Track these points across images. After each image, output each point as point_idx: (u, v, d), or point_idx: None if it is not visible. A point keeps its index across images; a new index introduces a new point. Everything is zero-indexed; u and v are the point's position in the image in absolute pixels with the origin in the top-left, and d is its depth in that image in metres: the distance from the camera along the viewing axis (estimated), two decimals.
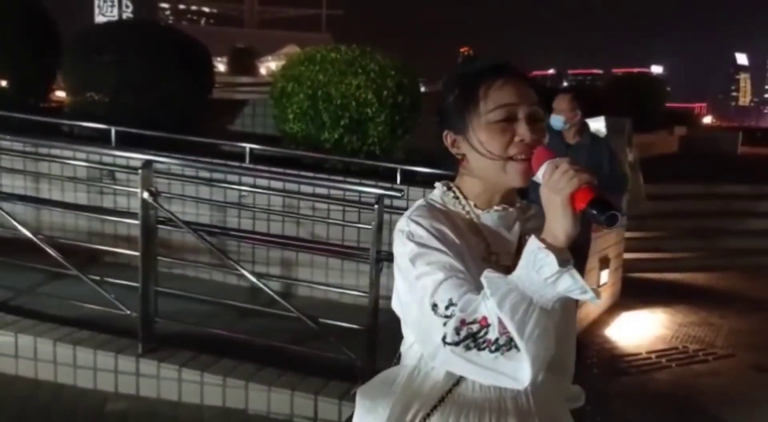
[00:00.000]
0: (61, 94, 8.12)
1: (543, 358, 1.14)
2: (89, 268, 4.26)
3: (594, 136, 4.51)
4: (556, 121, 4.35)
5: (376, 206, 3.42)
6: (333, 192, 5.00)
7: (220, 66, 27.90)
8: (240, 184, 5.22)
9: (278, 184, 5.11)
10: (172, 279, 4.55)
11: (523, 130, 1.25)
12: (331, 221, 4.94)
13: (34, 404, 3.42)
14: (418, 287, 1.22)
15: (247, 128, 8.06)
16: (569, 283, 1.11)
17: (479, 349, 1.14)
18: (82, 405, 3.44)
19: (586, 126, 4.47)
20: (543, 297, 1.12)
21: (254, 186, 5.19)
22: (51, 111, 7.49)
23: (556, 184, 1.13)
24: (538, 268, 1.11)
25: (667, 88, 16.21)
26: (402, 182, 5.24)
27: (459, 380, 1.29)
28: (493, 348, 1.13)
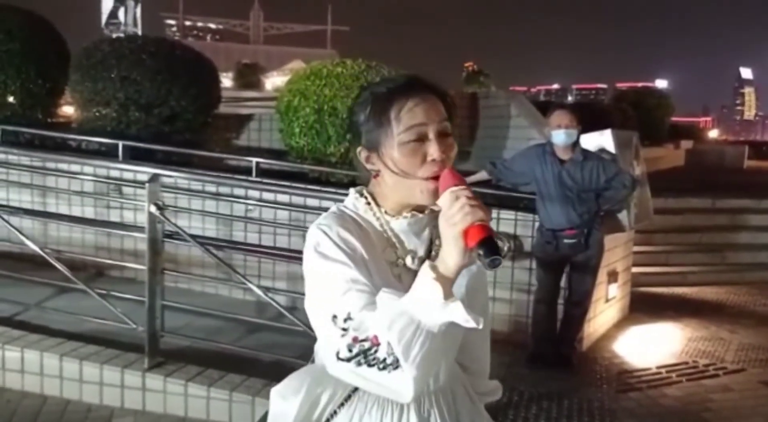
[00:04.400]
0: (68, 109, 8.17)
1: (426, 377, 1.20)
2: (96, 282, 4.27)
3: (586, 151, 4.50)
4: (559, 136, 4.33)
5: None
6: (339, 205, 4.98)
7: (226, 81, 28.05)
8: (246, 197, 5.23)
9: (284, 198, 5.12)
10: (178, 293, 4.54)
11: (433, 149, 1.28)
12: None
13: (41, 420, 3.40)
14: (320, 297, 1.28)
15: (254, 142, 8.09)
16: (453, 314, 1.14)
17: (369, 366, 1.19)
18: (88, 420, 3.42)
19: (578, 141, 4.45)
20: (429, 322, 1.16)
21: (261, 199, 5.20)
22: (59, 126, 7.53)
23: (451, 218, 1.16)
24: (426, 297, 1.15)
25: (671, 102, 16.19)
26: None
27: None
28: (381, 366, 1.18)
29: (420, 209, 1.37)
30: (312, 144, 5.89)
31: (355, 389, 1.35)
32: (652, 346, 5.34)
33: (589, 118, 4.90)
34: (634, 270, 6.51)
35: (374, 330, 1.19)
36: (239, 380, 3.51)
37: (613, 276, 5.54)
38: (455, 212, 1.15)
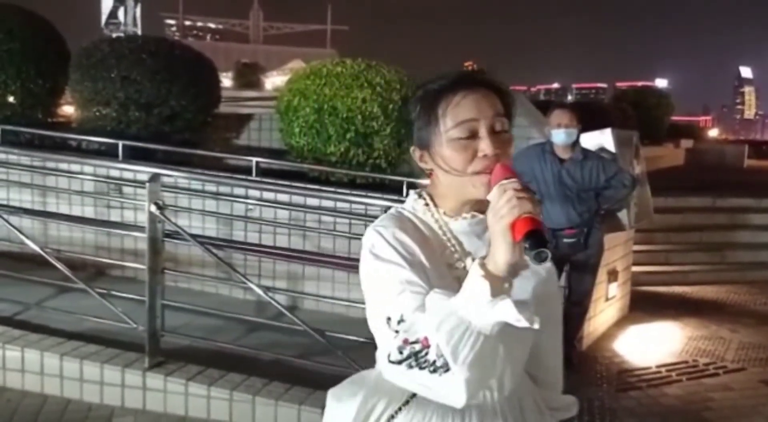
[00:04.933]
0: (69, 108, 8.16)
1: (479, 380, 1.15)
2: (96, 282, 4.27)
3: (585, 150, 4.51)
4: (558, 135, 4.34)
5: None
6: (339, 205, 4.99)
7: (226, 81, 28.04)
8: (246, 197, 5.23)
9: (284, 197, 5.12)
10: (178, 292, 4.54)
11: (485, 145, 1.24)
12: (337, 234, 4.94)
13: (41, 419, 3.40)
14: (376, 299, 1.27)
15: (254, 142, 8.08)
16: (503, 312, 1.10)
17: (420, 369, 1.16)
18: (88, 419, 3.43)
19: (578, 140, 4.46)
20: (480, 320, 1.12)
21: (261, 199, 5.20)
22: (59, 125, 7.52)
23: (498, 211, 1.13)
24: (475, 296, 1.12)
25: (671, 102, 16.19)
26: (408, 195, 5.22)
27: None
28: (431, 368, 1.15)
29: (481, 209, 1.32)
30: (312, 143, 5.89)
31: (414, 395, 1.31)
32: (652, 345, 5.35)
33: (589, 117, 4.90)
34: (634, 269, 6.51)
35: (424, 331, 1.16)
36: (239, 379, 3.51)
37: (613, 275, 5.54)
38: (502, 205, 1.12)
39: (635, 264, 6.56)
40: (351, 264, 4.39)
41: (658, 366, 4.85)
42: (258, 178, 5.62)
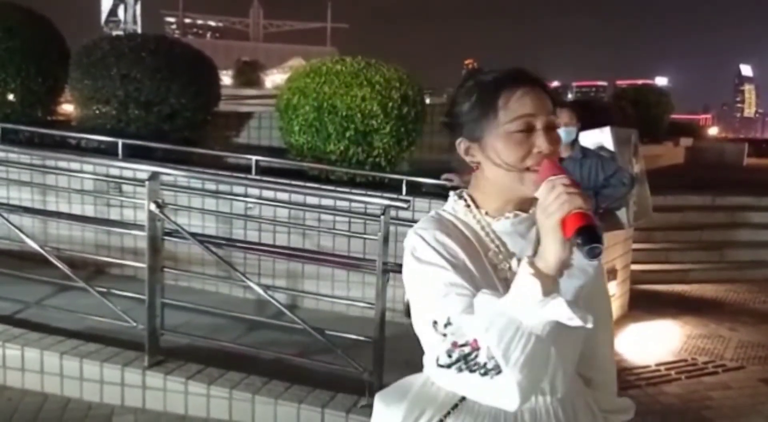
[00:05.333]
0: (68, 107, 8.16)
1: (531, 383, 1.12)
2: (96, 280, 4.27)
3: (585, 149, 4.52)
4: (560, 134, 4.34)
5: (381, 217, 3.41)
6: (339, 203, 5.00)
7: (226, 79, 28.04)
8: (246, 195, 5.23)
9: (284, 196, 5.12)
10: (178, 291, 4.54)
11: (541, 141, 1.23)
12: (337, 232, 4.94)
13: (41, 417, 3.41)
14: (420, 303, 1.24)
15: (253, 140, 8.08)
16: (555, 311, 1.07)
17: (470, 372, 1.14)
18: (88, 418, 3.43)
19: (577, 139, 4.47)
20: (532, 320, 1.09)
21: (260, 197, 5.21)
22: (59, 124, 7.53)
23: (547, 207, 1.11)
24: (525, 295, 1.09)
25: (671, 100, 16.18)
26: (407, 193, 5.23)
27: None
28: (482, 371, 1.12)
29: (523, 209, 1.31)
30: (311, 142, 5.89)
31: (463, 398, 1.29)
32: (651, 344, 5.35)
33: (588, 115, 4.90)
34: (634, 267, 6.51)
35: (473, 333, 1.14)
36: (239, 378, 3.51)
37: (612, 274, 5.55)
38: (552, 201, 1.10)
39: (634, 262, 6.56)
40: (350, 263, 4.40)
41: (657, 365, 4.85)
42: (258, 177, 5.63)
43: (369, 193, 4.98)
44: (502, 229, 1.31)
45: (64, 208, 5.65)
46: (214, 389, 3.43)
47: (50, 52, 7.07)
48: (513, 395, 1.11)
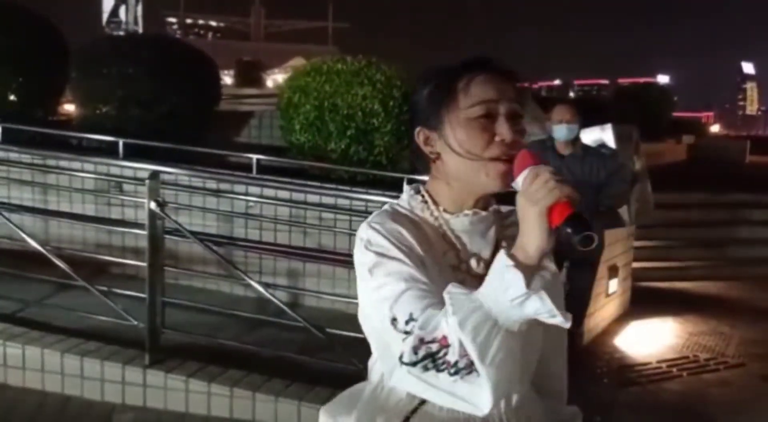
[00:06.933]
0: (69, 107, 8.18)
1: (506, 384, 1.05)
2: (97, 279, 4.27)
3: (586, 146, 4.52)
4: (560, 131, 4.34)
5: None
6: (340, 201, 5.00)
7: (227, 78, 28.05)
8: (247, 194, 5.23)
9: (285, 194, 5.12)
10: (179, 289, 4.55)
11: (503, 129, 1.15)
12: (337, 231, 4.94)
13: (42, 416, 3.41)
14: (377, 299, 1.14)
15: (254, 139, 8.08)
16: (537, 306, 1.01)
17: (438, 371, 1.04)
18: (89, 416, 3.44)
19: (578, 136, 4.48)
20: (509, 318, 1.03)
21: (261, 196, 5.20)
22: (59, 123, 7.54)
23: (534, 194, 1.04)
24: (505, 288, 1.02)
25: (673, 98, 16.17)
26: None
27: (425, 398, 1.17)
28: (452, 370, 1.03)
29: (483, 206, 1.24)
30: (312, 141, 5.89)
31: (415, 409, 1.20)
32: (652, 341, 5.35)
33: (590, 112, 4.89)
34: (635, 265, 6.51)
35: (442, 329, 1.04)
36: (240, 376, 3.51)
37: (613, 272, 5.55)
38: (538, 188, 1.03)
39: (636, 260, 6.56)
40: (351, 261, 4.39)
41: (658, 362, 4.85)
42: (258, 175, 5.62)
43: (370, 191, 4.97)
44: (460, 227, 1.23)
45: (64, 207, 5.65)
46: (215, 387, 3.43)
47: (51, 52, 7.08)
48: (486, 396, 1.03)
